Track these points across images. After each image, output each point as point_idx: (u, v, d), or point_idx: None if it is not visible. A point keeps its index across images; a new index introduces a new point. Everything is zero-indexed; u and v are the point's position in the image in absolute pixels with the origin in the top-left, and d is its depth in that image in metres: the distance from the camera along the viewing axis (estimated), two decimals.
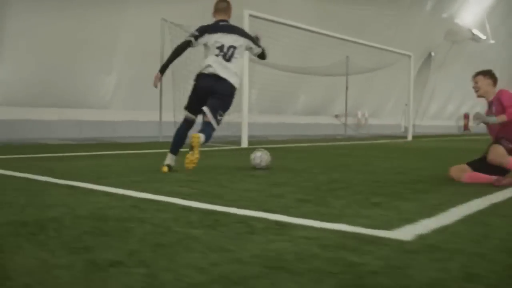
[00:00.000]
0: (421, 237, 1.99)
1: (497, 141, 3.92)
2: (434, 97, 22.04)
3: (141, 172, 4.15)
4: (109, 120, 10.67)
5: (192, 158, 3.89)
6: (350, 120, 17.01)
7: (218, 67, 4.18)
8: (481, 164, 3.92)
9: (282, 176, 4.08)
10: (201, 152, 4.10)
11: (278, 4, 12.31)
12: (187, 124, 4.41)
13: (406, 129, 21.76)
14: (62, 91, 9.67)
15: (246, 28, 8.10)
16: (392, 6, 16.47)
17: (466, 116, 24.74)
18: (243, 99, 8.42)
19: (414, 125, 21.45)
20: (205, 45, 4.29)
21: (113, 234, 1.93)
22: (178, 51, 4.28)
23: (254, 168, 4.62)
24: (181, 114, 9.25)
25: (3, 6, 8.62)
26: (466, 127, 24.50)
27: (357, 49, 13.59)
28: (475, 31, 20.68)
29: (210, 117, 4.14)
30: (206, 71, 4.22)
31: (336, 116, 17.66)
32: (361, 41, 12.05)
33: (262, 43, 4.61)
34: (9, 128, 9.01)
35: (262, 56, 4.58)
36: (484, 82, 4.12)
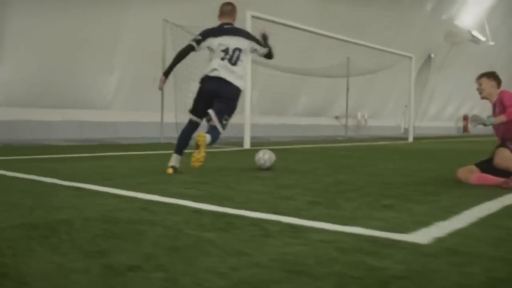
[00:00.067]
0: (438, 241, 1.96)
1: (503, 143, 3.90)
2: (434, 99, 22.05)
3: (145, 173, 4.12)
4: (110, 121, 10.62)
5: (198, 156, 3.89)
6: (350, 122, 17.00)
7: (223, 70, 4.18)
8: (488, 166, 3.90)
9: (288, 177, 4.05)
10: (205, 153, 4.02)
11: (279, 5, 12.29)
12: (191, 126, 4.39)
13: (405, 130, 21.78)
14: (63, 91, 9.63)
15: (249, 29, 8.08)
16: (392, 7, 16.47)
17: (465, 118, 24.76)
18: (245, 101, 8.39)
19: (414, 127, 21.49)
20: (209, 48, 4.27)
21: (126, 237, 1.89)
22: (181, 56, 4.27)
23: (259, 168, 4.61)
24: (183, 115, 9.27)
25: (4, 6, 8.57)
26: (465, 128, 24.52)
27: (358, 50, 13.58)
28: (475, 33, 20.71)
29: (215, 121, 4.13)
30: (211, 74, 4.20)
31: (336, 117, 17.65)
32: (362, 42, 12.04)
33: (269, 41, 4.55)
34: (10, 129, 8.96)
35: (268, 55, 4.54)
36: (488, 84, 4.11)
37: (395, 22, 17.05)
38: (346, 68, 14.40)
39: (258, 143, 9.02)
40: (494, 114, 4.07)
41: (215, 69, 4.19)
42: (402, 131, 21.69)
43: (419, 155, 7.87)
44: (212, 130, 4.23)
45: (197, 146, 3.94)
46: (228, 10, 4.41)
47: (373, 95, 18.59)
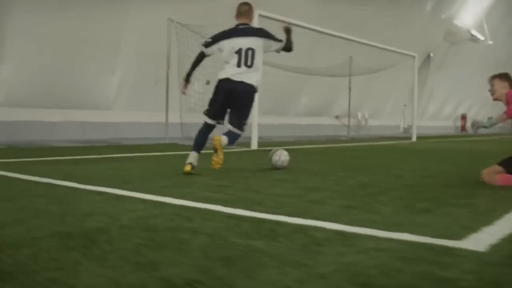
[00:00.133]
0: (495, 248, 1.88)
1: None
2: (432, 98, 22.06)
3: (162, 175, 4.01)
4: (112, 121, 10.48)
5: (217, 159, 4.02)
6: (350, 121, 16.94)
7: (239, 76, 4.22)
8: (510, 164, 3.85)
9: (309, 179, 3.96)
10: (223, 156, 4.08)
11: (279, 5, 12.19)
12: (207, 128, 4.38)
13: (405, 129, 21.80)
14: (65, 91, 9.47)
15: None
16: (392, 6, 16.43)
17: (463, 117, 24.82)
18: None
19: (412, 126, 21.47)
20: (221, 51, 4.29)
21: (171, 247, 1.79)
22: (195, 62, 4.43)
23: (274, 168, 4.64)
24: (186, 115, 9.19)
25: (5, 6, 8.41)
26: (463, 127, 24.58)
27: (359, 50, 13.53)
28: (474, 32, 20.74)
29: (234, 130, 4.25)
30: (230, 77, 4.23)
31: (337, 117, 17.59)
32: (365, 41, 11.98)
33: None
34: (11, 130, 8.80)
35: (285, 49, 4.48)
36: (500, 85, 4.06)
37: (395, 22, 17.02)
38: (349, 67, 14.34)
39: (263, 143, 8.92)
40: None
41: (232, 75, 4.23)
42: (402, 130, 21.69)
43: (430, 155, 7.80)
44: (229, 133, 4.30)
45: (215, 150, 4.02)
46: (244, 10, 4.40)
47: (373, 94, 18.55)
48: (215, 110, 4.30)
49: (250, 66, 4.22)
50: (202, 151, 4.32)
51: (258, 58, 4.31)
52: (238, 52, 4.20)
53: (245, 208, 2.59)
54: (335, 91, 15.97)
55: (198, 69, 10.47)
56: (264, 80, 12.65)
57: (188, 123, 9.90)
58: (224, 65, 4.31)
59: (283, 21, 8.96)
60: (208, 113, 4.32)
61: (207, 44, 4.34)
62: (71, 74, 9.51)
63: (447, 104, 23.91)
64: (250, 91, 4.28)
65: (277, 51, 4.48)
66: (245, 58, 4.21)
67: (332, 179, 4.01)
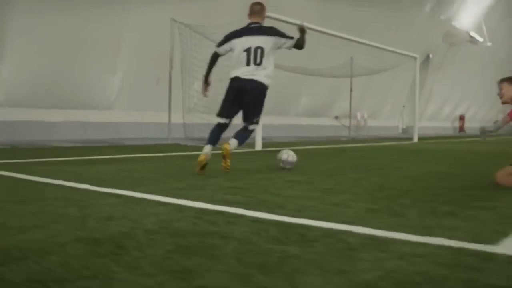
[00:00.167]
0: None
1: None
2: (431, 99, 22.09)
3: (173, 177, 3.94)
4: (113, 121, 10.38)
5: (225, 165, 4.23)
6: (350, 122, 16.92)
7: (249, 74, 4.32)
8: None
9: (322, 181, 3.90)
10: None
11: (279, 5, 12.14)
12: (220, 127, 4.44)
13: (403, 130, 21.82)
14: (66, 91, 9.36)
15: None
16: (392, 7, 16.42)
17: (461, 118, 24.87)
18: None
19: (413, 127, 21.46)
20: (232, 50, 4.41)
21: (203, 253, 1.73)
22: (210, 63, 4.55)
23: (282, 168, 4.68)
24: (188, 115, 9.11)
25: (5, 6, 8.30)
26: (461, 128, 24.63)
27: (360, 50, 13.50)
28: (473, 33, 20.78)
29: (250, 127, 4.45)
30: (239, 76, 4.35)
31: (336, 117, 17.56)
32: (366, 41, 11.94)
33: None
34: (12, 130, 8.69)
35: (296, 46, 4.50)
36: (509, 89, 4.03)
37: (395, 23, 17.01)
38: (350, 68, 14.31)
39: (265, 144, 8.86)
40: None
41: (242, 73, 4.34)
42: (400, 131, 21.71)
43: (436, 156, 7.77)
44: (240, 132, 4.44)
45: (223, 156, 4.20)
46: (257, 10, 4.50)
47: (372, 95, 18.54)
48: (227, 109, 4.40)
49: (259, 64, 4.30)
50: (213, 151, 4.32)
51: (269, 56, 4.37)
52: (247, 50, 4.30)
53: (267, 211, 2.53)
54: (335, 92, 15.94)
55: (199, 70, 10.41)
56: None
57: (189, 123, 9.85)
58: (235, 64, 4.40)
59: (286, 21, 8.94)
60: (219, 113, 4.41)
61: (219, 44, 4.48)
62: (71, 74, 9.41)
63: (445, 105, 23.95)
64: (260, 88, 4.37)
65: (289, 48, 4.53)
66: (254, 56, 4.30)
67: (346, 181, 3.96)
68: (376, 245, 1.89)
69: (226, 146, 4.17)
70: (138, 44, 10.19)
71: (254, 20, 4.46)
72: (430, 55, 20.10)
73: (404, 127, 21.86)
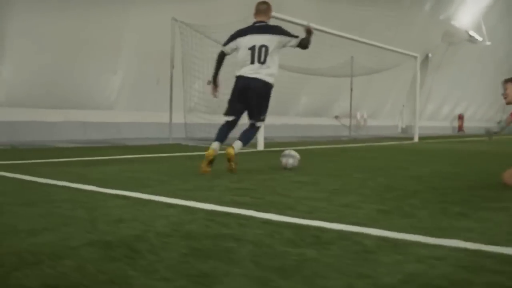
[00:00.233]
0: None
1: None
2: (430, 98, 22.10)
3: (178, 178, 3.90)
4: (113, 121, 10.33)
5: (230, 168, 4.30)
6: (349, 121, 16.90)
7: (253, 73, 4.37)
8: None
9: (329, 182, 3.88)
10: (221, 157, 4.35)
11: (279, 5, 12.11)
12: (228, 125, 4.50)
13: (403, 130, 21.82)
14: (66, 92, 9.30)
15: None
16: (392, 7, 16.41)
17: (460, 117, 24.88)
18: None
19: (412, 126, 21.46)
20: (238, 48, 4.45)
21: (218, 256, 1.70)
22: (218, 63, 4.58)
23: (285, 168, 4.70)
24: (189, 115, 9.13)
25: (5, 6, 8.24)
26: (460, 128, 24.65)
27: (360, 50, 13.49)
28: (472, 33, 20.79)
29: (257, 124, 4.56)
30: (243, 74, 4.41)
31: (336, 117, 17.53)
32: (367, 41, 11.93)
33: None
34: (12, 130, 8.63)
35: (301, 45, 4.53)
36: None
37: (395, 22, 16.99)
38: (351, 67, 14.30)
39: (267, 144, 8.83)
40: None
41: (246, 72, 4.39)
42: (399, 130, 21.70)
43: (438, 156, 7.76)
44: (246, 132, 4.51)
45: (228, 160, 4.26)
46: (263, 9, 4.55)
47: (372, 95, 18.53)
48: (233, 108, 4.46)
49: (263, 63, 4.35)
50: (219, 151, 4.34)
51: (273, 55, 4.41)
52: (252, 48, 4.35)
53: (278, 213, 2.51)
54: (335, 92, 15.91)
55: (199, 69, 10.36)
56: None
57: (190, 123, 9.81)
58: (239, 62, 4.45)
59: (289, 21, 8.92)
60: (227, 113, 4.48)
61: (225, 43, 4.54)
62: (71, 74, 9.35)
63: (444, 105, 23.95)
64: (264, 87, 4.42)
65: (293, 46, 4.57)
66: (258, 54, 4.34)
67: (352, 181, 3.93)
68: (392, 248, 1.87)
69: (229, 150, 4.21)
70: (138, 44, 10.14)
71: (260, 19, 4.52)
72: (429, 55, 20.10)
73: (404, 126, 21.87)
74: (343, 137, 14.81)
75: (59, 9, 8.74)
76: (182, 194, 3.06)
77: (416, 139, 13.30)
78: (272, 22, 5.53)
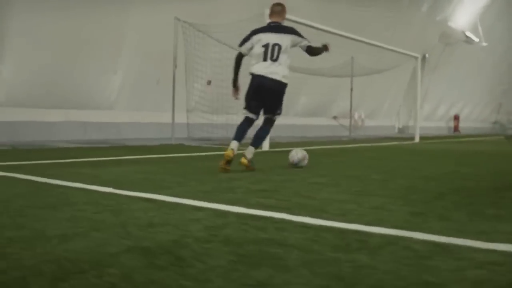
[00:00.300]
0: None
1: None
2: (427, 99, 22.16)
3: (194, 179, 3.80)
4: (114, 121, 10.19)
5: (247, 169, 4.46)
6: (348, 122, 16.88)
7: (267, 72, 4.47)
8: None
9: (349, 183, 3.80)
10: (239, 155, 4.48)
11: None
12: (247, 122, 4.59)
13: (399, 130, 21.86)
14: (66, 92, 9.14)
15: None
16: (391, 7, 16.42)
17: (456, 117, 24.99)
18: None
19: (409, 127, 21.50)
20: (253, 47, 4.56)
21: (269, 263, 1.61)
22: (237, 64, 4.69)
23: (293, 166, 4.85)
24: (189, 115, 9.10)
25: (5, 5, 8.07)
26: (456, 128, 24.76)
27: (359, 50, 13.45)
28: (468, 33, 20.88)
29: (273, 117, 4.72)
30: (258, 73, 4.51)
31: (334, 117, 17.50)
32: (368, 40, 11.89)
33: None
34: (12, 130, 8.46)
35: (310, 50, 4.70)
36: None
37: (393, 23, 17.01)
38: (351, 67, 14.26)
39: (274, 144, 8.74)
40: None
41: (260, 70, 4.49)
42: (396, 131, 21.74)
43: (445, 156, 7.73)
44: (258, 134, 4.68)
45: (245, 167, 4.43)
46: (278, 10, 4.73)
47: (369, 95, 18.53)
48: (252, 105, 4.57)
49: (275, 60, 4.47)
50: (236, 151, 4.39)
51: (285, 54, 4.53)
52: (265, 46, 4.48)
53: (311, 215, 2.42)
54: (334, 92, 15.87)
55: (200, 69, 10.26)
56: None
57: (192, 123, 9.71)
58: (253, 60, 4.57)
59: (298, 22, 8.84)
60: (247, 107, 4.57)
61: (240, 43, 4.65)
62: (72, 74, 9.19)
63: (441, 105, 24.04)
64: (278, 86, 4.54)
65: (303, 47, 4.71)
66: (271, 52, 4.46)
67: (371, 183, 3.86)
68: (446, 253, 1.79)
69: (243, 161, 4.38)
70: (138, 44, 10.01)
71: (275, 19, 4.69)
72: (427, 55, 20.15)
73: (400, 126, 21.91)
74: (343, 137, 14.77)
75: (59, 9, 8.59)
76: (204, 196, 2.96)
77: (417, 140, 13.28)
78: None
